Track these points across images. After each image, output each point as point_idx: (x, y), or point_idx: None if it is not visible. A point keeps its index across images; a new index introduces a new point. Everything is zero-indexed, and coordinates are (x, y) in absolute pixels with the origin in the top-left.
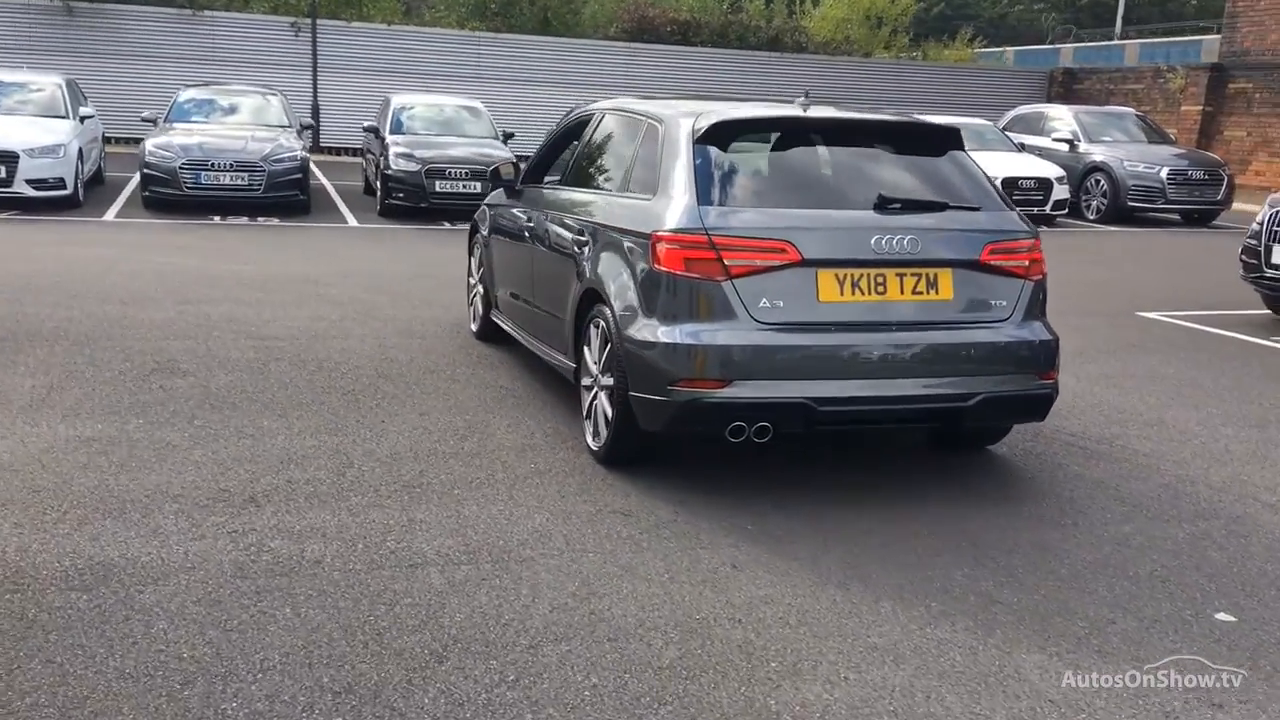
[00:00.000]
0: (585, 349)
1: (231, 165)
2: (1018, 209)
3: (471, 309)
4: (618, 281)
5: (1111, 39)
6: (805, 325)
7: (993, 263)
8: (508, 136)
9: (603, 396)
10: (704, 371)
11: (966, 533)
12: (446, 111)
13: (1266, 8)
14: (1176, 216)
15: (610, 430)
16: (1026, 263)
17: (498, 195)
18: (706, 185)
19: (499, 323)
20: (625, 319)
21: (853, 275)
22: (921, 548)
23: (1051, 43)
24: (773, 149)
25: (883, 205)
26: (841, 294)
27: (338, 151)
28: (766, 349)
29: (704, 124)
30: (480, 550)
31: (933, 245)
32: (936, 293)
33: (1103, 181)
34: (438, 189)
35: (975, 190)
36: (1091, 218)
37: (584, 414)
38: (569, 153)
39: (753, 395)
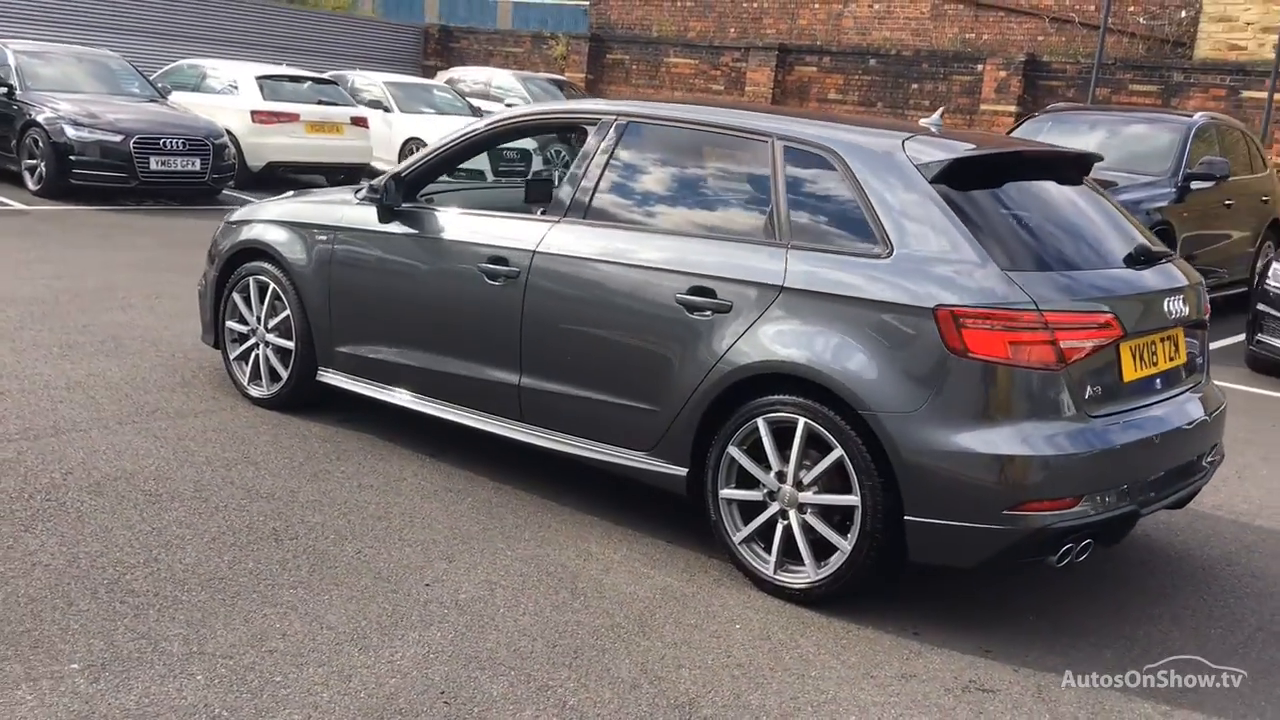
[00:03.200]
0: (735, 453)
1: None
2: (505, 178)
3: (248, 369)
4: (864, 370)
5: None
6: (1121, 413)
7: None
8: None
9: (795, 520)
10: (1055, 489)
11: None
12: (86, 63)
13: None
14: None
15: (847, 563)
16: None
17: (326, 211)
18: (986, 241)
19: (336, 384)
20: (898, 421)
21: (1145, 346)
22: None
23: None
24: (998, 189)
25: (1137, 260)
26: (1136, 369)
27: None
28: (1110, 451)
29: (936, 157)
30: None
31: (1182, 303)
32: (1179, 356)
33: (564, 152)
34: (153, 166)
35: (1139, 230)
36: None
37: (725, 536)
38: (579, 175)
39: (1098, 510)
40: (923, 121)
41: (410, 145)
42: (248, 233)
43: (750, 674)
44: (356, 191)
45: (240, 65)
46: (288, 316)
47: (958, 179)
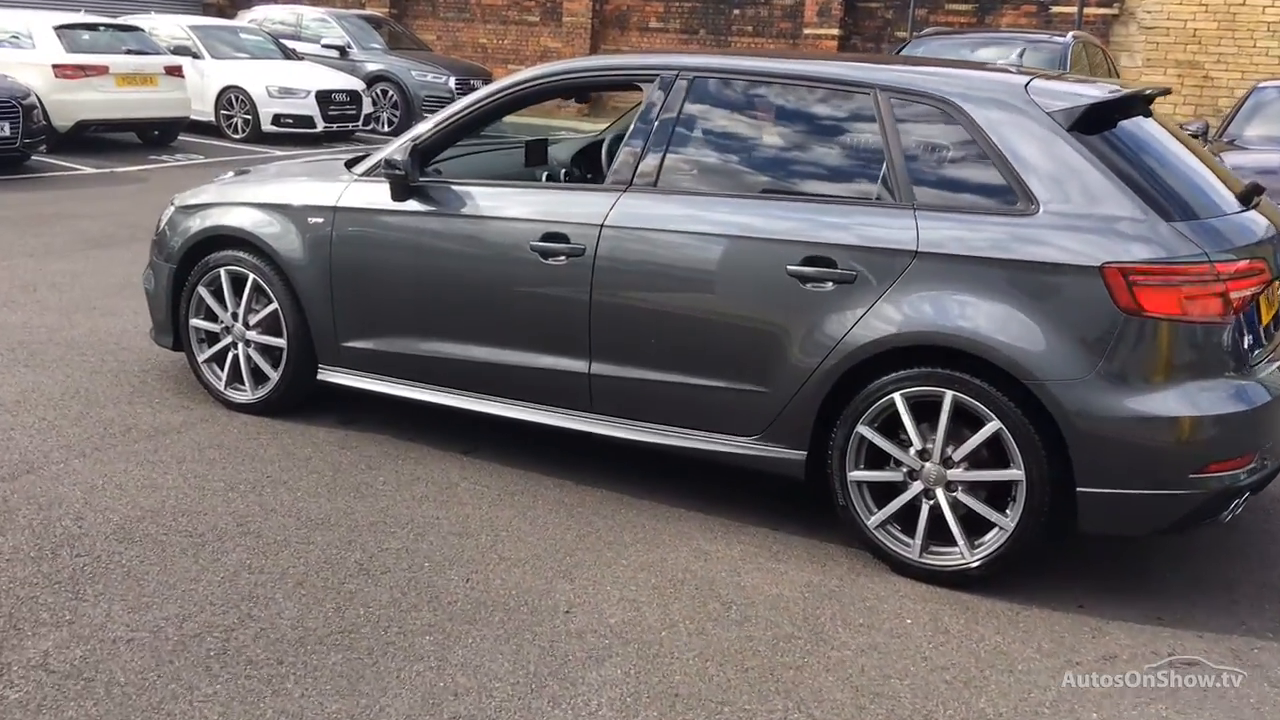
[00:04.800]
0: (866, 433)
1: None
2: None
3: (224, 371)
4: (1023, 337)
5: None
6: (1265, 362)
7: None
8: None
9: (944, 499)
10: (1236, 447)
11: None
12: None
13: None
14: None
15: (1010, 540)
16: None
17: (317, 190)
18: (1140, 192)
19: (343, 383)
20: (1067, 388)
21: (1272, 291)
22: None
23: None
24: (1118, 134)
25: (1246, 201)
26: (1266, 315)
27: None
28: (1274, 402)
29: (1070, 103)
30: None
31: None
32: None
33: (392, 93)
34: None
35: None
36: (386, 130)
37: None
38: (643, 139)
39: (1265, 463)
40: (1001, 62)
41: (228, 95)
42: (213, 219)
43: (961, 677)
44: (350, 164)
45: (31, 14)
46: (275, 311)
47: (1090, 125)
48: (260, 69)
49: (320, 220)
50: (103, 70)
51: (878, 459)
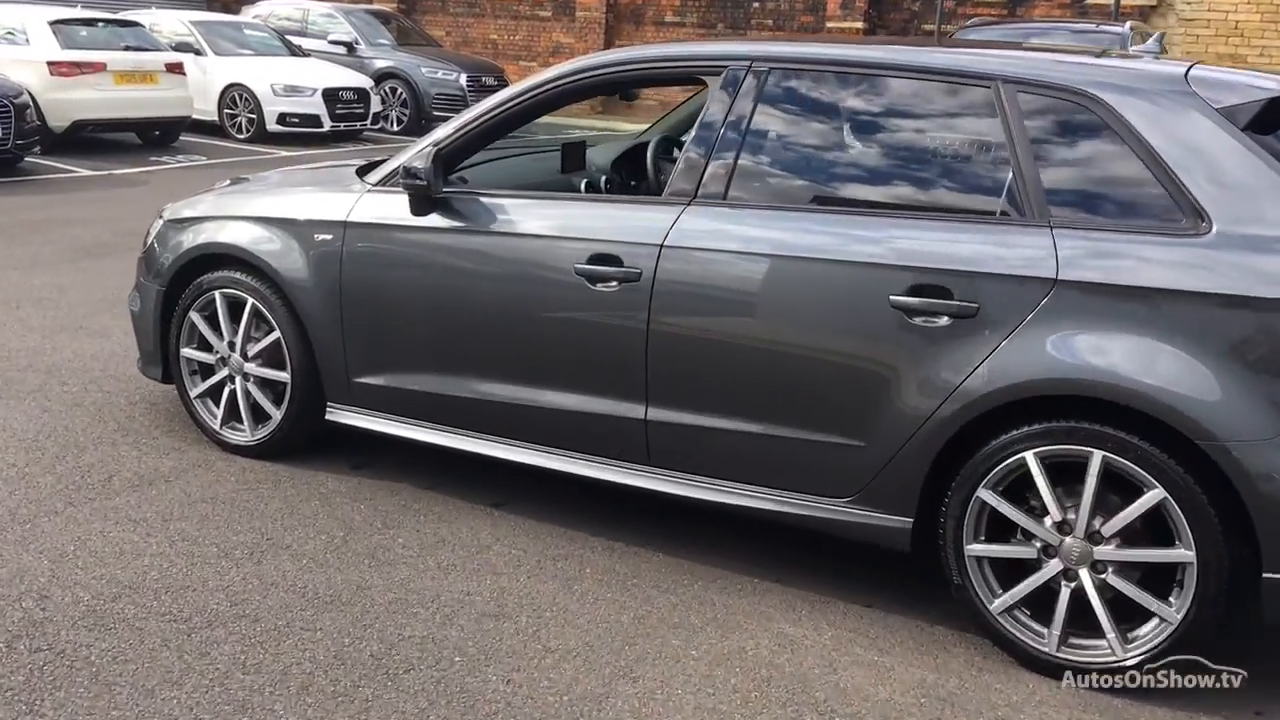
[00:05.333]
0: (988, 498)
1: None
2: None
3: (220, 408)
4: (1199, 387)
5: None
6: None
7: None
8: None
9: (1089, 581)
10: None
11: None
12: None
13: None
14: None
15: (1173, 635)
16: None
17: (325, 202)
18: None
19: (355, 424)
20: (1255, 451)
21: None
22: None
23: None
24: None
25: None
26: None
27: None
28: None
29: (1243, 98)
30: None
31: None
32: None
33: (401, 90)
34: None
35: None
36: (395, 129)
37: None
38: (708, 144)
39: None
40: (1135, 48)
41: (231, 93)
42: (207, 235)
43: None
44: (362, 172)
45: (25, 9)
46: (278, 340)
47: (1267, 124)
48: (265, 66)
49: (329, 237)
50: (100, 68)
51: (1003, 530)
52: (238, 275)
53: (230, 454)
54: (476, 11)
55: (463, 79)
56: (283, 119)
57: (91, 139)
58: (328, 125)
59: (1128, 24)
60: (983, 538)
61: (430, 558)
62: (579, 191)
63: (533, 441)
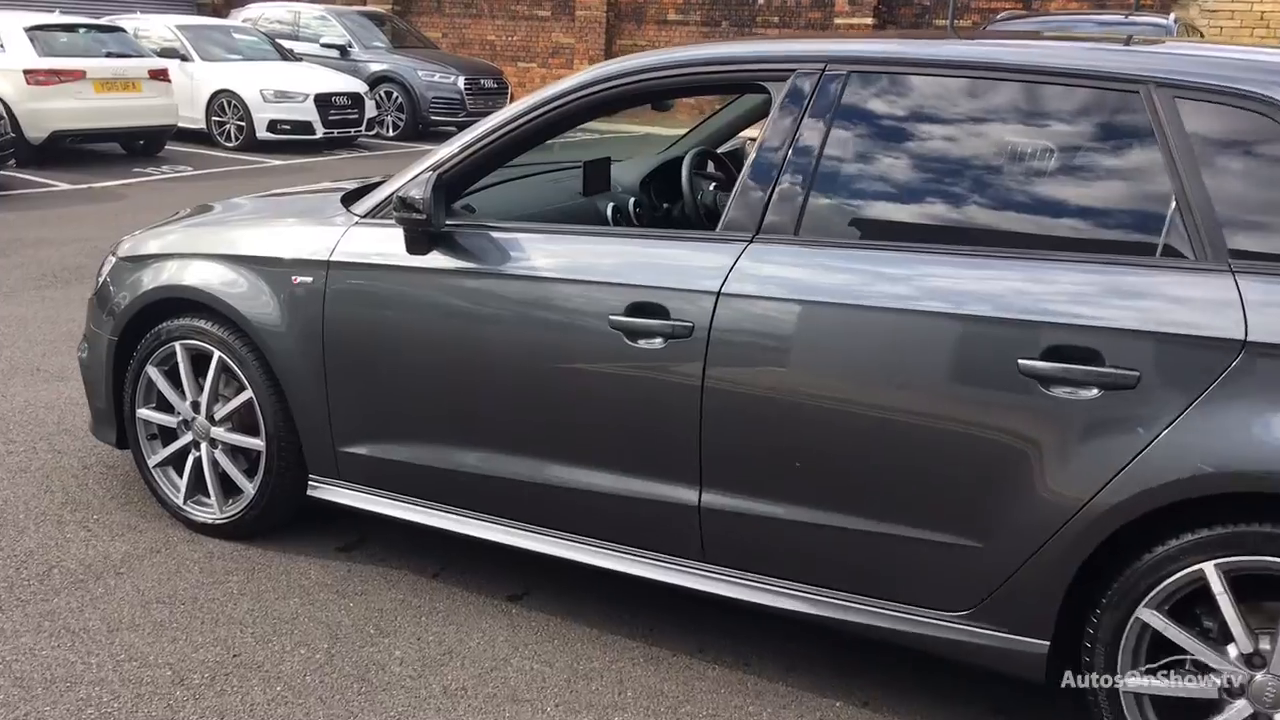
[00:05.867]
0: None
1: None
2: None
3: (184, 480)
4: None
5: None
6: None
7: None
8: None
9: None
10: None
11: None
12: None
13: None
14: None
15: None
16: None
17: (303, 237)
18: None
19: (343, 503)
20: None
21: None
22: None
23: None
24: None
25: None
26: None
27: None
28: None
29: None
30: None
31: None
32: None
33: (397, 94)
34: None
35: None
36: (391, 135)
37: None
38: (773, 167)
39: None
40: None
41: (219, 100)
42: (167, 275)
43: None
44: (348, 200)
45: (0, 15)
46: (249, 401)
47: None
48: (254, 71)
49: (309, 279)
50: (79, 75)
51: (1168, 657)
52: (202, 323)
53: (196, 534)
54: (473, 12)
55: (460, 82)
56: (273, 126)
57: (72, 150)
58: (320, 132)
59: (1171, 15)
60: (1143, 668)
61: (434, 678)
62: (605, 218)
63: (558, 528)
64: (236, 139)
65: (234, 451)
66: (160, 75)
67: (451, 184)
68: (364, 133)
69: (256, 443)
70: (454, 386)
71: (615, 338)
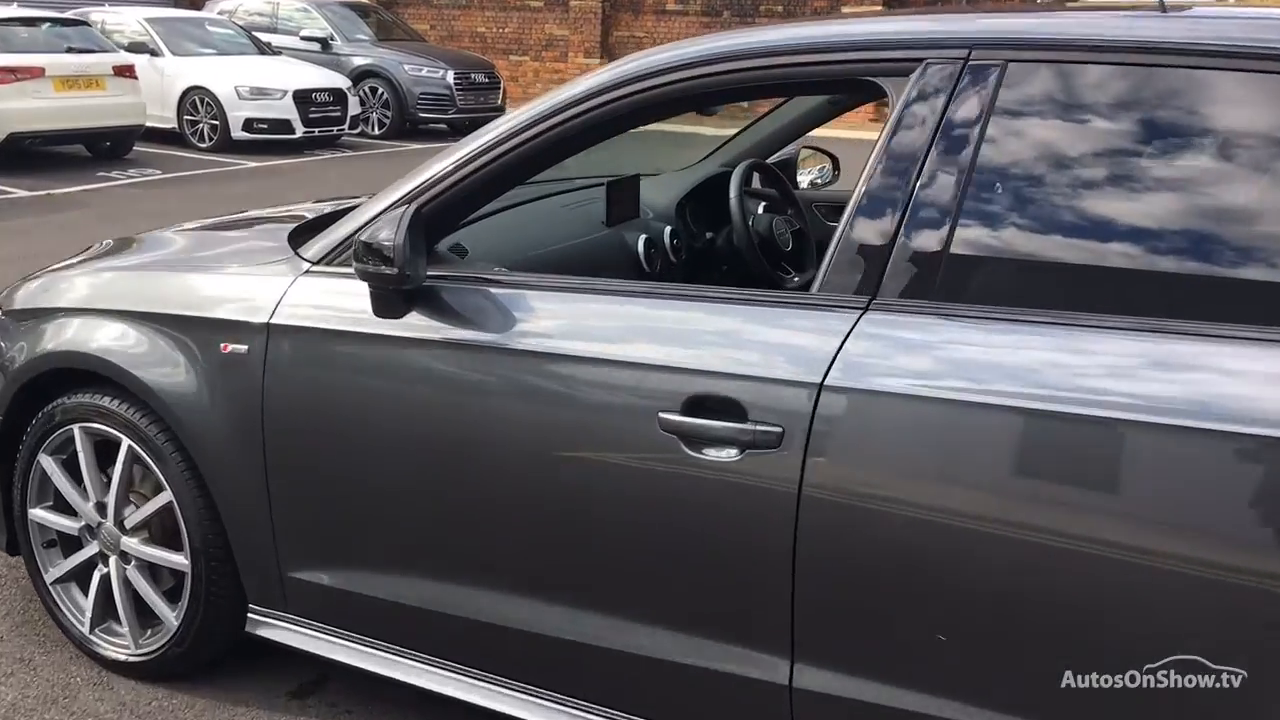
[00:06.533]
0: None
1: None
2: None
3: (89, 602)
4: None
5: None
6: None
7: None
8: None
9: None
10: None
11: None
12: None
13: None
14: (466, 126)
15: None
16: None
17: (239, 288)
18: None
19: (290, 644)
20: None
21: None
22: None
23: None
24: None
25: None
26: None
27: None
28: None
29: None
30: None
31: None
32: None
33: (382, 90)
34: None
35: None
36: (376, 133)
37: None
38: (896, 199)
39: None
40: None
41: (191, 97)
42: (62, 336)
43: None
44: (297, 238)
45: None
46: (170, 505)
47: None
48: (229, 67)
49: (242, 348)
50: (38, 73)
51: None
52: (107, 401)
53: (107, 672)
54: (462, 3)
55: (449, 76)
56: (249, 125)
57: (35, 152)
58: (300, 131)
59: None
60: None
61: None
62: (636, 255)
63: (583, 699)
64: (210, 139)
65: (153, 569)
66: (126, 72)
67: (436, 217)
68: (347, 131)
69: (179, 560)
70: (441, 500)
71: (669, 444)
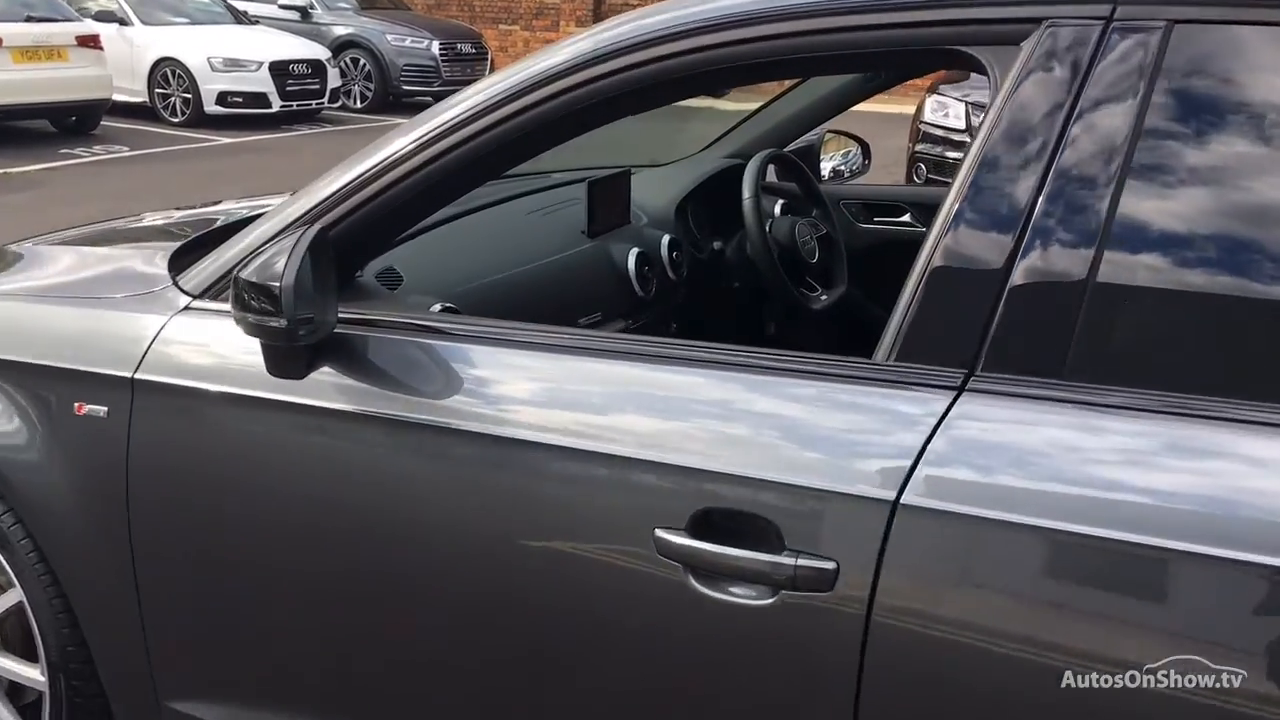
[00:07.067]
0: None
1: None
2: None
3: None
4: None
5: None
6: None
7: None
8: None
9: None
10: None
11: None
12: None
13: None
14: None
15: None
16: None
17: (95, 331)
18: None
19: None
20: None
21: None
22: None
23: None
24: None
25: None
26: None
27: None
28: None
29: None
30: None
31: None
32: None
33: (364, 61)
34: None
35: None
36: (358, 106)
37: None
38: (992, 210)
39: None
40: None
41: (162, 69)
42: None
43: None
44: (179, 260)
45: None
46: (20, 606)
47: None
48: (202, 36)
49: (101, 410)
50: None
51: None
52: None
53: None
54: None
55: (435, 47)
56: (223, 99)
57: None
58: (277, 105)
59: None
60: None
61: None
62: (626, 275)
63: None
64: (183, 114)
65: (12, 685)
66: (90, 42)
67: (356, 237)
68: (327, 105)
69: (33, 674)
70: (358, 611)
71: (669, 573)
